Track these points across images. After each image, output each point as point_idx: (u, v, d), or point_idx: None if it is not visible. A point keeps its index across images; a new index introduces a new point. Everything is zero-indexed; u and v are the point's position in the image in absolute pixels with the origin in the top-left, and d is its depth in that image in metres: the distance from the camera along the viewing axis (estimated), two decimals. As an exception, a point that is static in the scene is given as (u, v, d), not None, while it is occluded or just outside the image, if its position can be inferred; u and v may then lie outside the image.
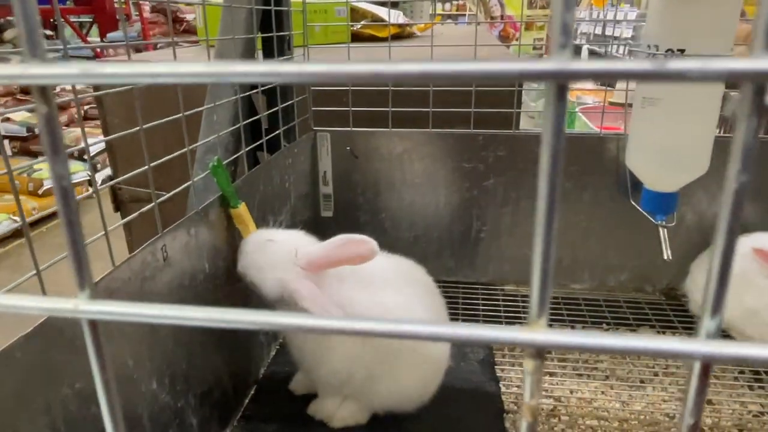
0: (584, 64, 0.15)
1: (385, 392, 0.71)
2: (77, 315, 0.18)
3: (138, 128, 0.53)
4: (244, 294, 0.79)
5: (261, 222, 0.86)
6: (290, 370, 0.85)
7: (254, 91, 0.87)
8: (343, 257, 0.66)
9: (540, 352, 0.17)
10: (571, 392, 0.88)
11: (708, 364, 0.16)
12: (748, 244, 0.94)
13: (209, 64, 0.16)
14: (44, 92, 0.16)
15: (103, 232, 0.49)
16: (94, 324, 0.18)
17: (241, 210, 0.74)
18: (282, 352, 0.94)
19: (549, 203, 0.15)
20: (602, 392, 0.88)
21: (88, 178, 3.60)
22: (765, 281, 0.90)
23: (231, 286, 0.75)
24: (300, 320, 0.17)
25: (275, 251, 0.69)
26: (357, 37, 1.68)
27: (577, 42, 5.22)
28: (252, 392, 0.84)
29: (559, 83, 0.15)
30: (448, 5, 7.22)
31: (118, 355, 0.51)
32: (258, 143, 0.89)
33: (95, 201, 0.55)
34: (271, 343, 0.94)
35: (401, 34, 1.93)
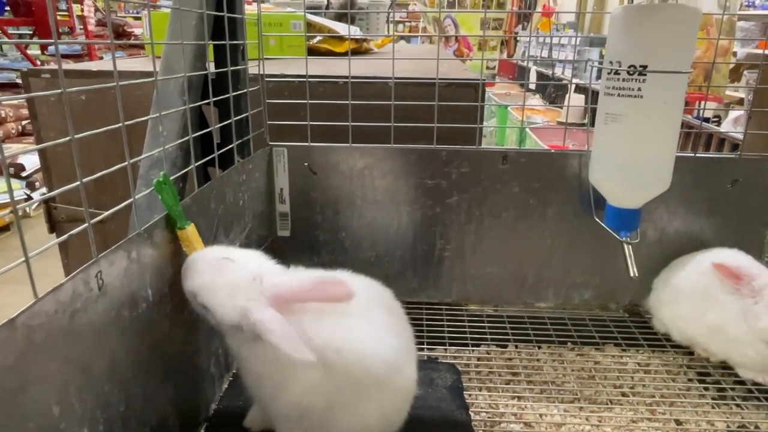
0: None
1: (347, 426, 0.65)
2: None
3: (69, 137, 0.46)
4: (192, 323, 0.72)
5: (213, 243, 0.80)
6: (244, 404, 0.78)
7: (205, 101, 0.81)
8: (315, 298, 0.61)
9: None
10: (541, 416, 0.85)
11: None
12: (707, 259, 0.95)
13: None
14: None
15: (23, 259, 0.42)
16: None
17: (189, 232, 0.67)
18: (235, 384, 0.86)
19: None
20: (572, 415, 0.85)
21: (25, 196, 3.37)
22: (726, 297, 0.90)
23: (178, 314, 0.68)
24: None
25: (235, 273, 0.63)
26: (314, 52, 1.64)
27: (526, 64, 5.40)
28: (202, 431, 0.77)
29: None
30: (401, 26, 7.40)
31: (40, 401, 0.44)
32: (209, 158, 0.83)
33: (31, 220, 0.47)
34: (223, 375, 0.86)
35: (359, 50, 1.90)
